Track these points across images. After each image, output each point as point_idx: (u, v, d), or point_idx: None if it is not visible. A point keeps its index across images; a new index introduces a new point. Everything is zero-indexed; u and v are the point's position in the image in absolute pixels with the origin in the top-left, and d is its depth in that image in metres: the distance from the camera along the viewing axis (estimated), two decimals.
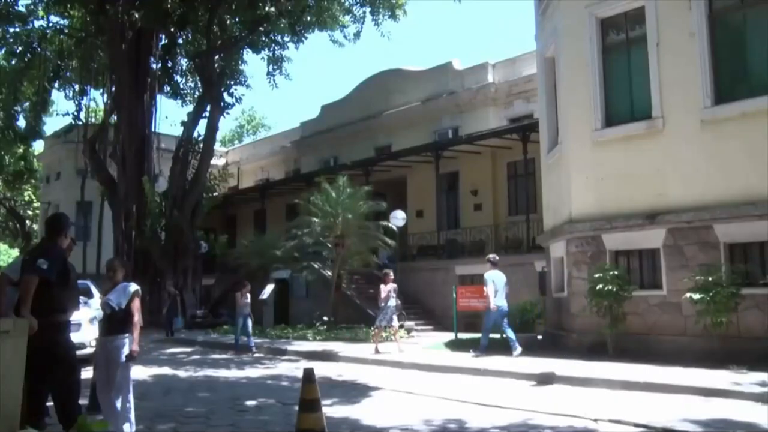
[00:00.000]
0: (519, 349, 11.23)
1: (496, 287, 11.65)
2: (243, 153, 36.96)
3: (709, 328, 9.44)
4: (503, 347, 12.55)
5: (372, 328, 14.28)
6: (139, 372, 9.89)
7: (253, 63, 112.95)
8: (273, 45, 25.47)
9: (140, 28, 23.70)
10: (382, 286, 13.13)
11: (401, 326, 16.66)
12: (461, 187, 21.88)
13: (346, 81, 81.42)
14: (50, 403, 5.22)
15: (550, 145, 13.55)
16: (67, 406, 4.97)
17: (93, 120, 28.48)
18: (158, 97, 25.81)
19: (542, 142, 14.36)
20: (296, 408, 5.00)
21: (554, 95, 13.42)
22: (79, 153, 26.20)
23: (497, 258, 12.60)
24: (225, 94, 24.72)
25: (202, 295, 24.65)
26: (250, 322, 14.15)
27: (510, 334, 11.58)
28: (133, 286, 5.62)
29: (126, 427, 5.39)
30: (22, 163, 38.75)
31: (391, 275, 13.42)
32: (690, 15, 10.45)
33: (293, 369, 11.03)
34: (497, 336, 13.27)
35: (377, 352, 12.51)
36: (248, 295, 14.54)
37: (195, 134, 24.55)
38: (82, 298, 8.97)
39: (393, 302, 13.04)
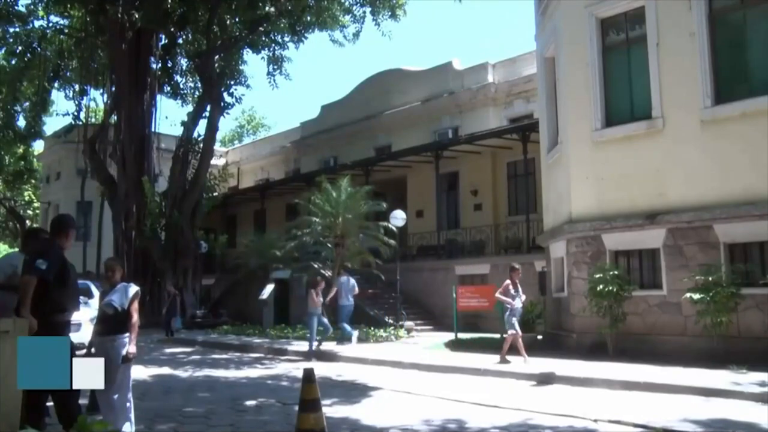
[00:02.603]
0: (353, 342, 14.02)
1: (344, 289, 14.73)
2: (243, 153, 36.97)
3: (709, 328, 9.44)
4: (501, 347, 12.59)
5: (505, 334, 10.98)
6: (139, 372, 9.89)
7: (253, 63, 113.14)
8: (273, 45, 25.47)
9: (140, 28, 23.68)
10: (507, 283, 10.94)
11: (401, 326, 16.69)
12: (461, 187, 21.88)
13: (346, 81, 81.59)
14: (50, 403, 5.22)
15: (550, 145, 13.55)
16: (67, 406, 4.97)
17: (93, 120, 28.48)
18: (158, 97, 25.81)
19: (542, 142, 14.36)
20: (296, 408, 5.00)
21: (554, 95, 13.42)
22: (79, 153, 26.16)
23: (349, 266, 16.39)
24: (225, 94, 24.70)
25: (202, 295, 24.63)
26: (316, 322, 13.33)
27: (348, 328, 14.37)
28: (133, 287, 5.63)
29: (126, 426, 5.40)
30: (22, 163, 38.76)
31: (519, 270, 11.42)
32: (690, 15, 10.46)
33: (293, 369, 11.03)
34: (497, 336, 13.32)
35: (504, 361, 10.41)
36: (321, 293, 13.76)
37: (195, 134, 24.54)
38: (82, 298, 8.97)
39: (520, 302, 10.91)
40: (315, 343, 13.44)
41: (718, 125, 10.15)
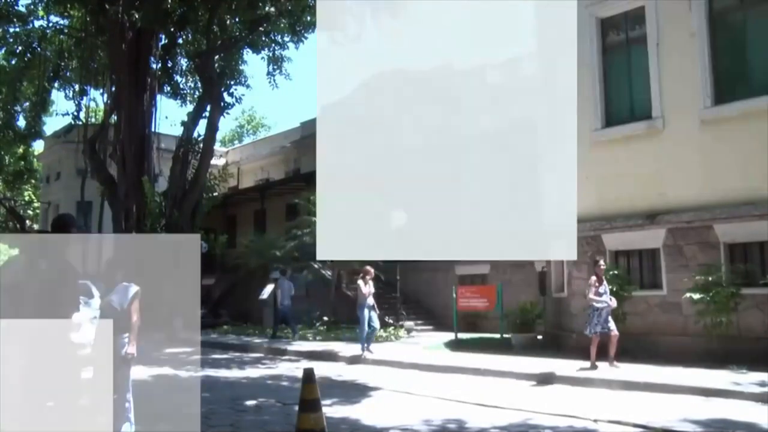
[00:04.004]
0: (297, 335, 15.81)
1: (284, 291, 16.25)
2: (243, 153, 36.92)
3: (709, 328, 9.45)
4: (502, 347, 12.59)
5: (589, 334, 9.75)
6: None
7: (253, 63, 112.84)
8: (273, 45, 25.42)
9: (140, 28, 23.64)
10: (593, 279, 9.79)
11: (401, 326, 16.69)
12: None
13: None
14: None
15: None
16: None
17: (93, 120, 28.45)
18: (158, 97, 25.74)
19: None
20: (296, 408, 5.01)
21: None
22: (79, 153, 26.12)
23: (287, 269, 17.56)
24: (225, 94, 24.64)
25: (202, 295, 24.60)
26: (367, 316, 12.07)
27: (292, 324, 16.13)
28: (134, 287, 5.63)
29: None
30: (22, 163, 38.70)
31: (602, 265, 9.92)
32: (690, 15, 10.46)
33: (293, 369, 11.03)
34: (497, 336, 13.32)
35: (593, 366, 9.36)
36: (371, 284, 12.43)
37: (195, 134, 24.51)
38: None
39: (606, 301, 9.68)
40: (366, 345, 12.20)
41: (718, 125, 10.15)
